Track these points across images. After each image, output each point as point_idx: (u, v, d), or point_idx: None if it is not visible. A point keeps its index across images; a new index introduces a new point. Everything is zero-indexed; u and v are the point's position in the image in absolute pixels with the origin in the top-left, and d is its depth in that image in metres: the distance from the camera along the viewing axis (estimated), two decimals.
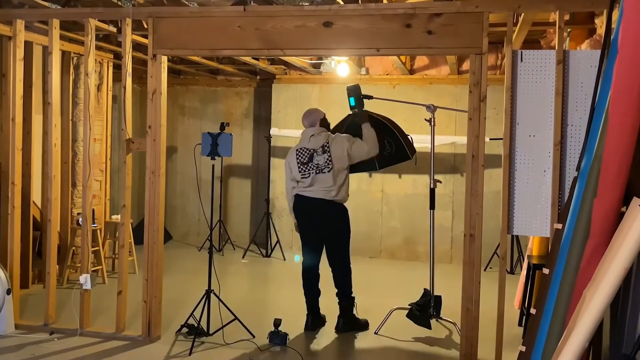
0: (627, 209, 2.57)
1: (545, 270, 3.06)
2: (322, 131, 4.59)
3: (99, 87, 6.13)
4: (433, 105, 4.63)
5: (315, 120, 4.64)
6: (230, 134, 4.43)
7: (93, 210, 5.64)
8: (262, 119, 8.28)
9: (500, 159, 3.81)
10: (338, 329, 4.59)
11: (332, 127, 4.81)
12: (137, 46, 5.36)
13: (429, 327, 4.43)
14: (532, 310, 3.06)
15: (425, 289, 4.59)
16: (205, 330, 4.32)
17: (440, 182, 4.89)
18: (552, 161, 3.70)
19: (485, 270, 6.43)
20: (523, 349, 3.03)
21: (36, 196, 5.50)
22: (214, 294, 4.40)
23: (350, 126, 4.72)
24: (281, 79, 7.84)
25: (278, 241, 7.49)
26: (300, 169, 4.51)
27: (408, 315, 4.49)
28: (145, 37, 4.36)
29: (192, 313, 4.36)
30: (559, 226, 3.07)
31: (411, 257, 7.43)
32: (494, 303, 3.78)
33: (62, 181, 5.70)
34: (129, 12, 4.24)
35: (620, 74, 2.60)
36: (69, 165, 5.90)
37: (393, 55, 6.07)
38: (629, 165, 2.64)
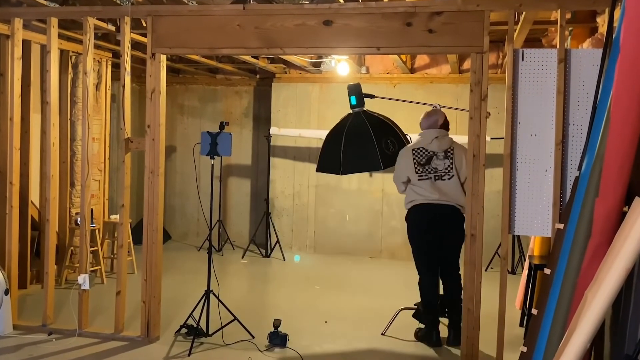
0: (629, 208, 2.55)
1: (547, 271, 3.04)
2: (447, 135, 4.37)
3: (97, 86, 6.10)
4: (439, 104, 4.61)
5: (437, 121, 4.39)
6: (230, 133, 4.42)
7: (92, 210, 5.63)
8: (262, 118, 8.26)
9: (501, 159, 3.79)
10: (449, 342, 4.31)
11: (332, 126, 4.78)
12: (136, 45, 5.34)
13: (435, 324, 4.41)
14: (534, 311, 3.05)
15: None
16: (205, 330, 4.30)
17: None
18: (554, 160, 3.68)
19: (486, 270, 6.41)
20: (524, 349, 3.02)
21: (34, 196, 5.48)
22: (213, 294, 4.38)
23: (352, 126, 4.69)
24: (281, 78, 7.82)
25: (278, 241, 7.47)
26: (417, 170, 4.28)
27: (414, 315, 4.48)
28: (144, 35, 4.35)
29: (191, 313, 4.34)
30: (561, 226, 3.05)
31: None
32: (495, 303, 3.76)
33: (61, 181, 5.68)
34: (128, 11, 4.22)
35: (622, 72, 2.59)
36: (68, 165, 5.88)
37: (393, 54, 6.05)
38: (631, 164, 2.63)
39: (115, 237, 6.00)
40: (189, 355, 4.00)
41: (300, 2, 4.38)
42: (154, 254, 4.27)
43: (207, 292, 4.35)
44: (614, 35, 2.82)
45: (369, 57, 7.47)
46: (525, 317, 4.60)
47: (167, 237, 8.23)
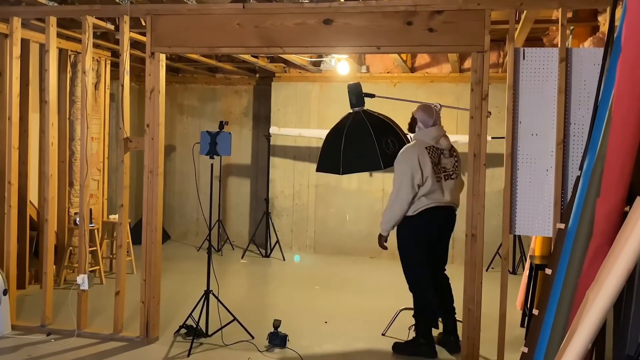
0: (630, 208, 2.54)
1: (548, 271, 3.03)
2: (445, 132, 4.22)
3: (96, 86, 6.09)
4: (439, 104, 4.59)
5: (440, 117, 4.22)
6: (229, 133, 4.40)
7: (90, 210, 5.61)
8: (262, 118, 8.24)
9: (502, 158, 3.78)
10: (452, 348, 4.19)
11: (332, 126, 4.76)
12: (135, 44, 5.32)
13: (436, 326, 4.39)
14: (535, 311, 3.04)
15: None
16: (204, 331, 4.29)
17: None
18: (555, 160, 3.67)
19: (487, 270, 6.40)
20: (525, 349, 3.01)
21: (33, 196, 5.47)
22: (213, 294, 4.36)
23: (353, 126, 4.67)
24: (281, 77, 7.80)
25: (277, 241, 7.46)
26: (434, 169, 4.00)
27: (414, 316, 4.46)
28: (144, 34, 4.34)
29: (190, 314, 4.33)
30: (562, 226, 3.04)
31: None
32: (496, 303, 3.75)
33: (59, 180, 5.67)
34: (127, 10, 4.21)
35: (624, 72, 2.57)
36: (66, 165, 5.88)
37: (394, 53, 6.04)
38: (632, 164, 2.61)
39: (114, 237, 5.98)
40: (189, 355, 3.98)
41: (300, 0, 4.36)
42: (153, 254, 4.26)
43: (207, 293, 4.33)
44: (615, 34, 2.80)
45: (369, 56, 7.45)
46: (526, 318, 4.58)
47: (166, 237, 8.21)
